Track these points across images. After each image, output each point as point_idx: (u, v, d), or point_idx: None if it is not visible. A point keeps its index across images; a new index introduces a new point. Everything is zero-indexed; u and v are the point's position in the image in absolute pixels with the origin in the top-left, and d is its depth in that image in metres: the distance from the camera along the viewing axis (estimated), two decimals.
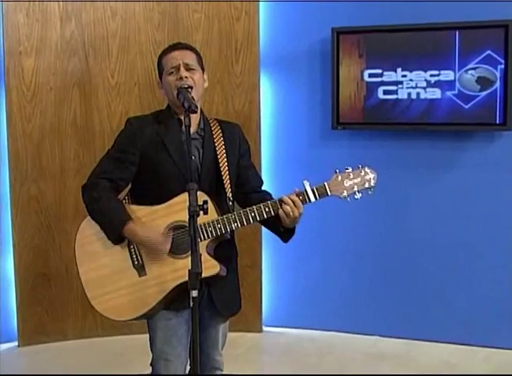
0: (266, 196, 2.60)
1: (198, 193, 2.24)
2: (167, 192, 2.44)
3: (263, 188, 2.75)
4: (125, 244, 2.47)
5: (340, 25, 4.06)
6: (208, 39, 4.30)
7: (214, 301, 2.57)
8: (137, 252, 2.47)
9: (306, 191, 2.45)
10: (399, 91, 4.01)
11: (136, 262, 2.46)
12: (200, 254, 2.10)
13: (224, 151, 2.57)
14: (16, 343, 4.28)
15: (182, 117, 2.43)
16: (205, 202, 2.15)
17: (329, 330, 4.39)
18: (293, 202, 2.42)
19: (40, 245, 4.25)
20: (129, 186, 2.58)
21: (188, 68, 2.51)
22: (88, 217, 2.50)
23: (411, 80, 3.98)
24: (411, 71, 3.97)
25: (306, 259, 4.45)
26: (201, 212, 2.13)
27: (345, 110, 4.12)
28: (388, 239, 4.28)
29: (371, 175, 2.50)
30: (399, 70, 3.99)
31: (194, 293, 2.07)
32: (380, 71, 4.03)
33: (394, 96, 4.03)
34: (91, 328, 4.34)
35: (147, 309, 2.45)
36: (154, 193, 2.46)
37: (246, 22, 4.27)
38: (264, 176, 4.38)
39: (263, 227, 4.27)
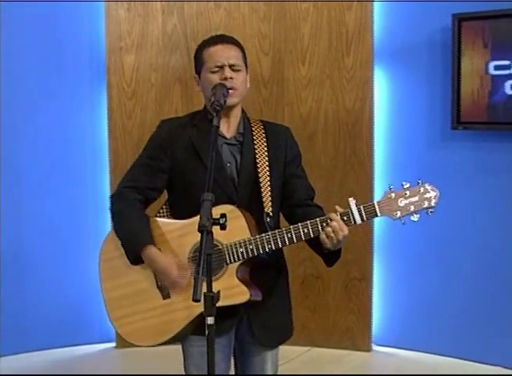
0: (314, 212, 2.33)
1: (226, 206, 2.14)
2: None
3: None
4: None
5: (462, 11, 3.73)
6: (317, 30, 4.14)
7: (253, 328, 2.38)
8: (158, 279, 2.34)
9: (351, 211, 2.20)
10: None
11: (160, 283, 2.32)
12: (201, 280, 1.87)
13: (266, 159, 2.36)
14: (113, 344, 4.37)
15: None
16: (222, 216, 1.95)
17: (445, 355, 4.09)
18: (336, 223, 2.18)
19: None
20: (162, 194, 2.45)
21: (233, 69, 2.33)
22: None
23: None
24: None
25: (423, 273, 4.17)
26: (217, 227, 1.94)
27: (467, 107, 3.80)
28: None
29: (432, 194, 2.21)
30: None
31: (210, 320, 1.90)
32: (507, 63, 3.67)
33: None
34: None
35: (170, 335, 2.31)
36: (189, 204, 2.29)
37: (358, 11, 4.06)
38: (376, 181, 4.18)
39: (374, 235, 4.16)
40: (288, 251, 4.22)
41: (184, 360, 2.43)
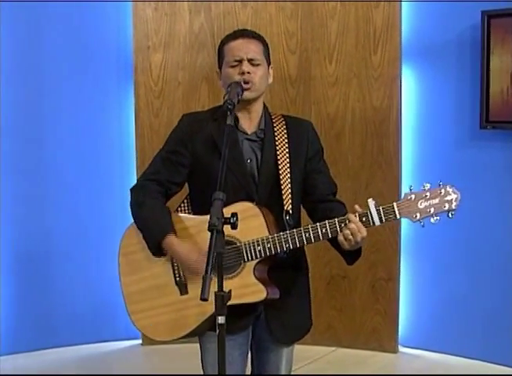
0: (335, 208, 2.31)
1: (244, 203, 2.17)
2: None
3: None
4: (169, 257, 2.34)
5: (491, 7, 3.67)
6: (344, 29, 4.10)
7: (270, 326, 2.38)
8: (180, 267, 2.33)
9: (370, 212, 2.17)
10: None
11: (178, 279, 2.32)
12: (210, 279, 1.87)
13: (287, 155, 2.34)
14: (139, 341, 4.40)
15: (238, 114, 2.31)
16: (233, 215, 1.95)
17: (473, 357, 4.01)
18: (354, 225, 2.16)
19: None
20: (182, 189, 2.44)
21: (252, 63, 2.32)
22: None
23: None
24: None
25: (451, 273, 4.10)
26: (228, 227, 1.94)
27: (496, 106, 3.73)
28: None
29: (453, 196, 2.16)
30: None
31: (220, 319, 1.91)
32: None
33: None
34: None
35: (186, 331, 2.31)
36: (209, 199, 2.19)
37: (386, 8, 4.03)
38: (404, 181, 4.14)
39: (401, 234, 4.12)
40: (314, 250, 4.27)
41: (201, 356, 2.44)
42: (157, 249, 2.31)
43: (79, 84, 4.23)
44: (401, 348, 4.22)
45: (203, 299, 1.84)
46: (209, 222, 1.91)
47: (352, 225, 2.16)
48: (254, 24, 4.17)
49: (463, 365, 3.98)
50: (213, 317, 2.22)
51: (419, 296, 4.21)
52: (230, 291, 1.95)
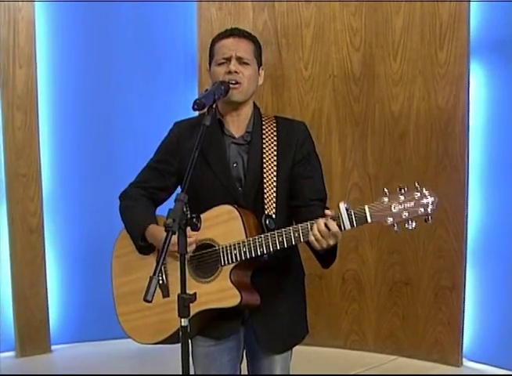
0: (315, 211, 2.13)
1: (224, 206, 2.13)
2: (210, 206, 2.18)
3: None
4: (154, 260, 2.27)
5: None
6: (409, 24, 3.88)
7: (256, 333, 2.26)
8: (163, 270, 2.26)
9: (341, 216, 2.00)
10: None
11: (161, 282, 2.25)
12: (156, 281, 1.81)
13: (274, 158, 2.23)
14: None
15: (226, 117, 2.24)
16: (193, 217, 1.87)
17: None
18: (327, 228, 1.99)
19: None
20: (171, 196, 2.38)
21: (241, 62, 2.22)
22: None
23: None
24: None
25: None
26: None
27: None
28: None
29: (429, 199, 1.95)
30: None
31: (183, 321, 1.84)
32: None
33: None
34: None
35: (167, 334, 2.24)
36: (198, 207, 2.14)
37: (453, 1, 3.74)
38: (472, 187, 3.85)
39: (468, 240, 3.82)
40: (377, 254, 4.07)
41: (192, 360, 2.34)
42: (140, 242, 2.27)
43: (148, 83, 4.28)
44: (465, 362, 3.93)
45: (146, 301, 1.79)
46: (164, 223, 1.85)
47: (322, 228, 2.00)
48: (318, 21, 4.06)
49: None
50: (193, 321, 2.13)
51: (486, 307, 3.89)
52: (195, 294, 1.89)
